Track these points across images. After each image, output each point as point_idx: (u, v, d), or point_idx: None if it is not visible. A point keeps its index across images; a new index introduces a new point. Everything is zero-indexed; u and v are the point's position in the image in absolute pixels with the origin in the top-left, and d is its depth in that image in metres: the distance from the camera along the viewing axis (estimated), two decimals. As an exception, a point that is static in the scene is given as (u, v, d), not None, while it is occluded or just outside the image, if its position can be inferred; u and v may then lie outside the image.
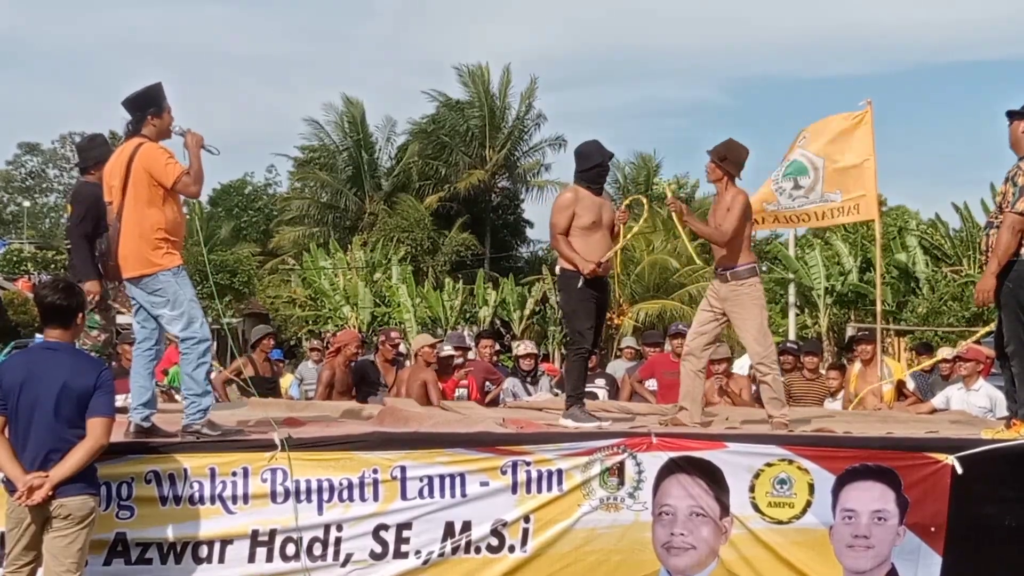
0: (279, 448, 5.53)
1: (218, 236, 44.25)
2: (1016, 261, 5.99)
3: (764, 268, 26.82)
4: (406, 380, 8.77)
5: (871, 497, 5.77)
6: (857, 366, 9.31)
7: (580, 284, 6.52)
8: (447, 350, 9.33)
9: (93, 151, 6.96)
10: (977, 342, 9.14)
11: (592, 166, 6.72)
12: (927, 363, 10.66)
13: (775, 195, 9.92)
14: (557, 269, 6.73)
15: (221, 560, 5.48)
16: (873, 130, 9.72)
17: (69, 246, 6.87)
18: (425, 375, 8.69)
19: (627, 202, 7.13)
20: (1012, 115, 6.18)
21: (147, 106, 5.81)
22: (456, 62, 49.36)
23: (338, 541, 5.57)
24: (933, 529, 5.77)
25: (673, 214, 6.96)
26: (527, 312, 33.19)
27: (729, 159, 6.71)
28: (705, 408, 8.39)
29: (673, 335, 9.55)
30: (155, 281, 5.71)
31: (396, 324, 30.43)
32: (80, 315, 5.11)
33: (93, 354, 6.17)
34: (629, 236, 7.29)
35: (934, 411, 8.38)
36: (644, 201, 7.30)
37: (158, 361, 6.11)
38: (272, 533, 5.51)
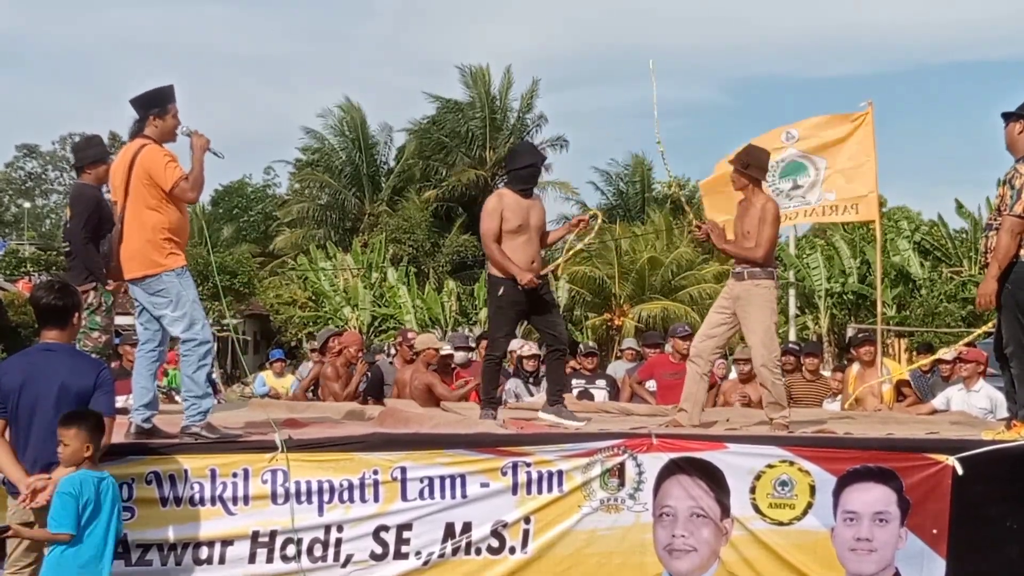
0: (279, 449, 5.53)
1: (217, 236, 44.23)
2: (1016, 263, 5.99)
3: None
4: (408, 381, 8.78)
5: (872, 499, 5.75)
6: (855, 367, 9.31)
7: (501, 292, 6.62)
8: (447, 350, 9.37)
9: (89, 150, 6.97)
10: (972, 345, 9.14)
11: (523, 166, 6.77)
12: (925, 361, 10.66)
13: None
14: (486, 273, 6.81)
15: (221, 561, 5.48)
16: (874, 131, 9.73)
17: (67, 248, 6.85)
18: (428, 377, 8.71)
19: (590, 214, 7.15)
20: (1008, 116, 6.17)
21: (151, 107, 5.80)
22: (457, 62, 49.31)
23: (338, 542, 5.57)
24: (935, 531, 5.76)
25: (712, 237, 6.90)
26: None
27: (752, 165, 6.70)
28: (719, 407, 8.42)
29: (682, 337, 9.63)
30: (158, 282, 5.70)
31: (396, 326, 30.44)
32: (76, 315, 5.11)
33: (94, 355, 6.17)
34: (571, 253, 7.52)
35: (934, 412, 8.38)
36: (600, 217, 7.41)
37: (161, 363, 6.10)
38: (273, 534, 5.51)
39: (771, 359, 6.57)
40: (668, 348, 9.77)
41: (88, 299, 6.35)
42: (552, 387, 6.86)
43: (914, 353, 17.39)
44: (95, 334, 6.60)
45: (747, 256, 6.62)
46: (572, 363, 9.69)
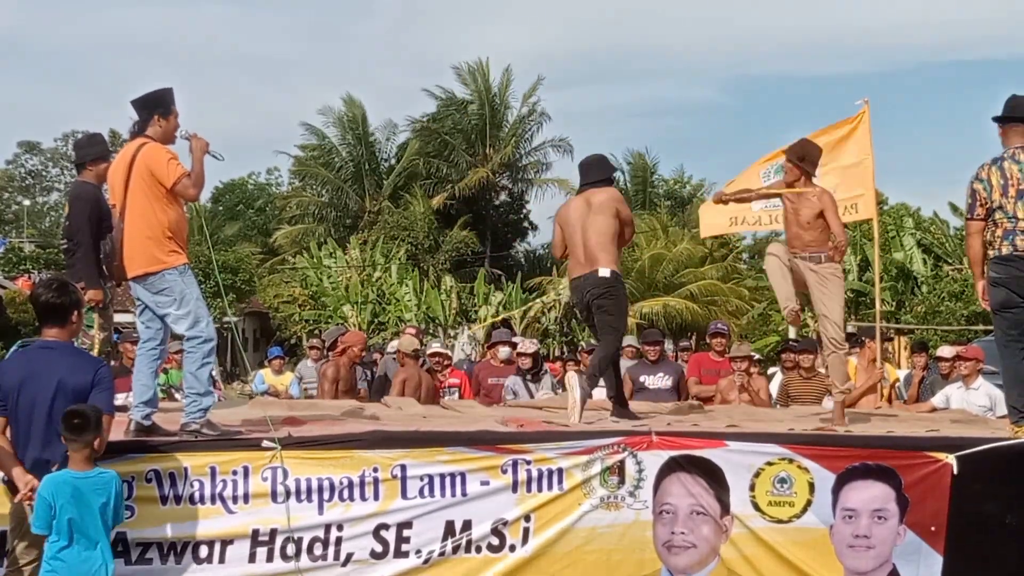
0: (279, 447, 5.52)
1: (219, 235, 44.20)
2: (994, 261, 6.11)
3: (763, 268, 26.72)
4: (406, 379, 8.83)
5: (871, 496, 5.77)
6: (854, 360, 9.30)
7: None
8: (434, 348, 9.43)
9: (90, 148, 6.97)
10: (969, 340, 9.14)
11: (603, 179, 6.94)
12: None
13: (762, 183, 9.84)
14: (606, 272, 6.72)
15: (221, 560, 5.46)
16: (870, 129, 9.72)
17: (65, 246, 6.84)
18: (420, 375, 8.78)
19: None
20: (997, 120, 6.24)
21: (155, 107, 5.80)
22: (456, 61, 49.30)
23: (339, 540, 5.56)
24: (933, 528, 5.77)
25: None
26: (533, 313, 32.75)
27: (807, 159, 6.86)
28: (719, 405, 8.45)
29: (713, 335, 9.71)
30: (161, 280, 5.70)
31: (397, 323, 30.41)
32: (76, 312, 5.11)
33: (92, 353, 6.17)
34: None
35: (934, 410, 8.39)
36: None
37: (162, 361, 6.10)
38: (273, 533, 5.50)
39: (841, 337, 6.81)
40: (669, 348, 9.79)
41: (92, 303, 6.35)
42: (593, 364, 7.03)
43: (910, 351, 17.43)
44: (92, 331, 6.60)
45: (840, 247, 6.86)
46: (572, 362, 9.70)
